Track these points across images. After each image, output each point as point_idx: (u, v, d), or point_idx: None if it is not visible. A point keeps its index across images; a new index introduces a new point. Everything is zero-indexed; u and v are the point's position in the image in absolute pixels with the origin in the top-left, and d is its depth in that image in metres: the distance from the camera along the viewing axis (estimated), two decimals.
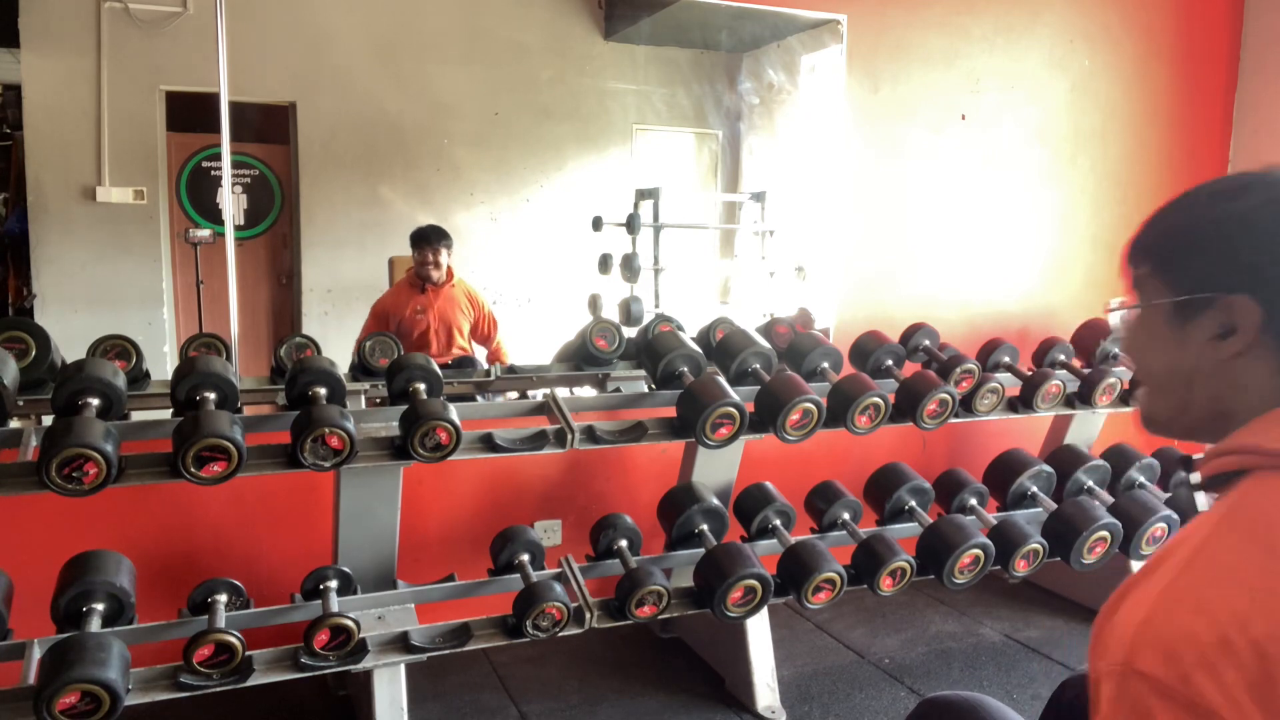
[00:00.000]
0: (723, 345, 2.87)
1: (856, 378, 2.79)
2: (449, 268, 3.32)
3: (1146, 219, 1.01)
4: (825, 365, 2.92)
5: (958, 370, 3.02)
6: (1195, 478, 0.98)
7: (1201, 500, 0.98)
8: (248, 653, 2.19)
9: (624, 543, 2.76)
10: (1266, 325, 0.91)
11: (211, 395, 2.27)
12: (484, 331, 3.40)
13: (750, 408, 2.62)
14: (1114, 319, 1.04)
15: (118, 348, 2.44)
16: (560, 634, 2.47)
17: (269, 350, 2.96)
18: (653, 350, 2.78)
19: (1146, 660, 0.81)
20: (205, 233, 3.09)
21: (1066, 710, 1.52)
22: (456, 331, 3.34)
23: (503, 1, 3.41)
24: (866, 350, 3.10)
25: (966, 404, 2.94)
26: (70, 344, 2.47)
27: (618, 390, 2.99)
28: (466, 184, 3.44)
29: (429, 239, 3.27)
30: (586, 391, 3.08)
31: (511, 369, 2.92)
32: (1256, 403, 0.93)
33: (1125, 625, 0.84)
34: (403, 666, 2.41)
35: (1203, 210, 0.97)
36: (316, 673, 2.31)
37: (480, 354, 3.42)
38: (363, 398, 2.70)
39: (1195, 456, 1.01)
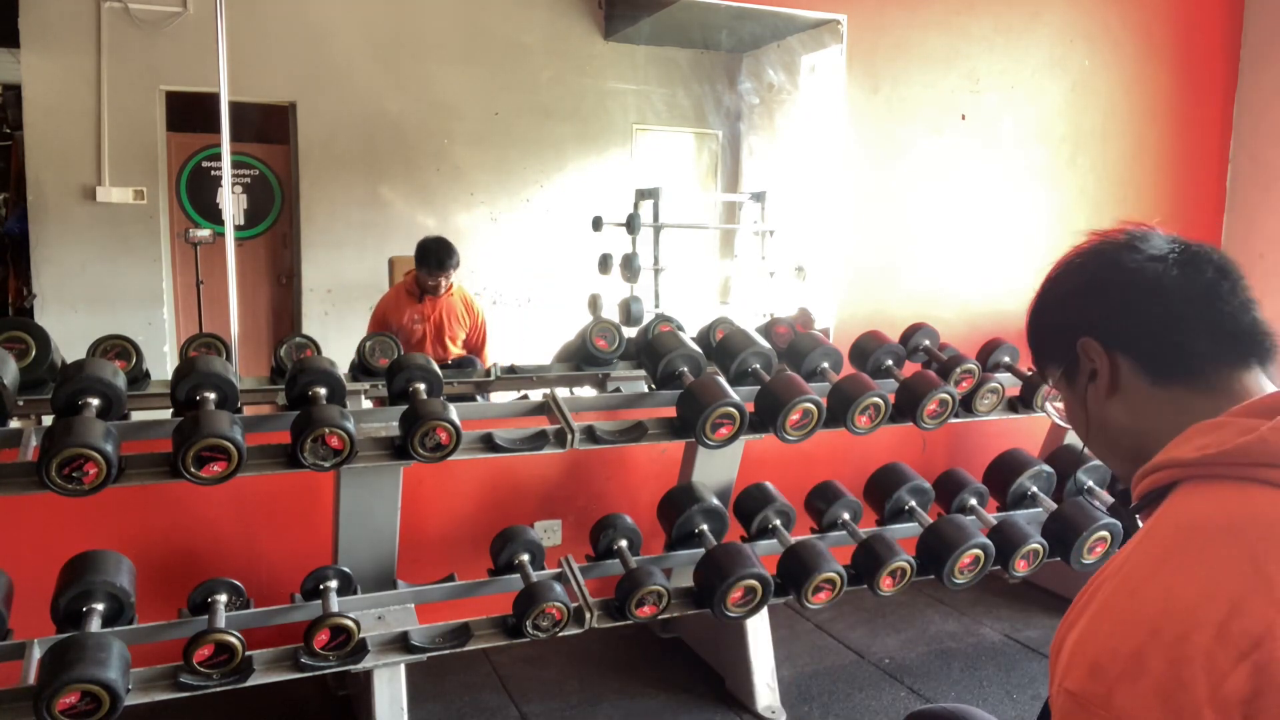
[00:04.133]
0: (723, 345, 2.87)
1: (856, 378, 2.79)
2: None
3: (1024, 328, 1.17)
4: (825, 365, 2.92)
5: (958, 370, 3.02)
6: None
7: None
8: (248, 653, 2.19)
9: (624, 543, 2.76)
10: (1112, 351, 1.03)
11: (211, 395, 2.27)
12: (474, 343, 3.38)
13: (750, 408, 2.62)
14: (1051, 413, 1.18)
15: (118, 348, 2.44)
16: (560, 634, 2.47)
17: (269, 350, 2.96)
18: (653, 350, 2.78)
19: (1074, 679, 0.84)
20: (205, 233, 3.09)
21: None
22: (450, 340, 3.33)
23: (503, 1, 3.41)
24: (866, 350, 3.10)
25: (966, 404, 2.94)
26: (70, 344, 2.47)
27: (618, 390, 2.99)
28: (466, 184, 3.43)
29: (441, 264, 3.23)
30: (586, 391, 3.08)
31: (511, 369, 2.92)
32: (1164, 430, 1.00)
33: (1064, 647, 0.89)
34: (403, 666, 2.41)
35: (1039, 298, 1.14)
36: (316, 673, 2.31)
37: None
38: (363, 398, 2.70)
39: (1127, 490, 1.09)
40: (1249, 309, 1.02)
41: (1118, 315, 1.04)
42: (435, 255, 3.24)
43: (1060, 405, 1.15)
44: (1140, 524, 0.99)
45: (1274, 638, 0.78)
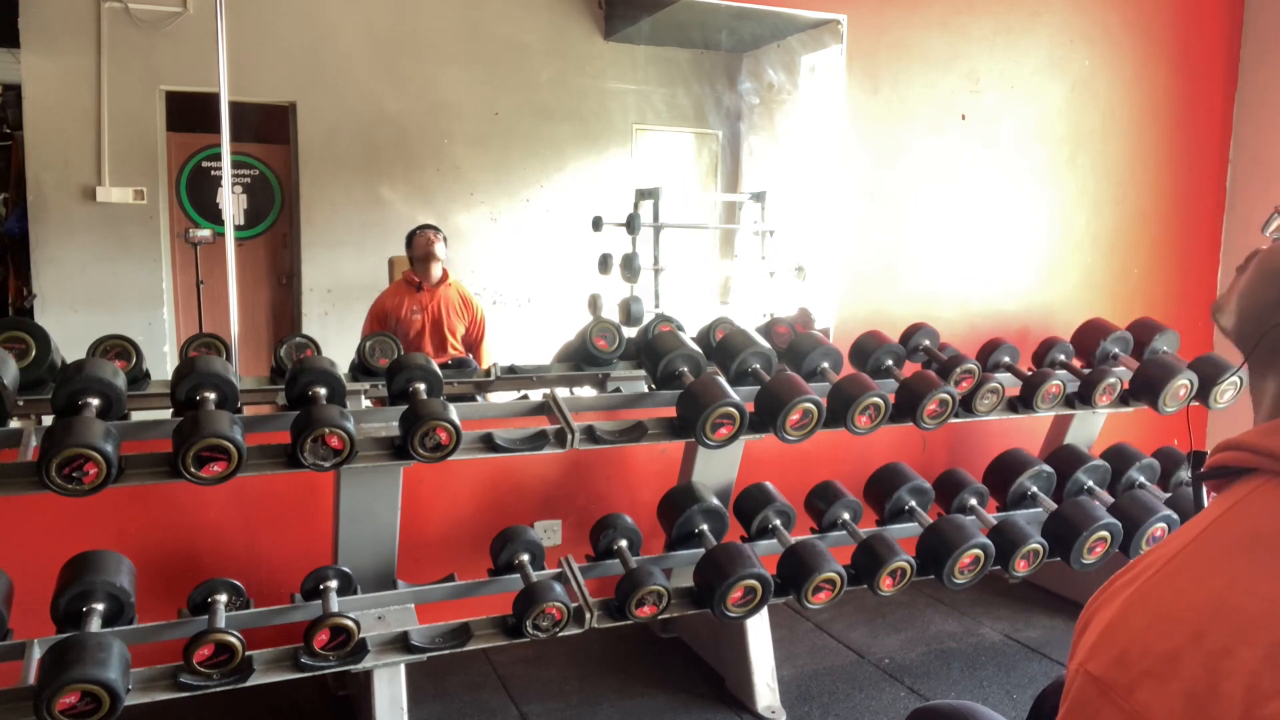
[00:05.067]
0: (723, 345, 2.87)
1: (856, 378, 2.79)
2: (445, 269, 3.32)
3: None
4: (825, 365, 2.93)
5: (958, 370, 3.02)
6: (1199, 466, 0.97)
7: (1206, 494, 0.97)
8: (248, 653, 2.19)
9: (624, 543, 2.76)
10: None
11: (211, 395, 2.27)
12: (473, 337, 3.39)
13: (750, 408, 2.62)
14: (1272, 224, 1.08)
15: (118, 348, 2.44)
16: (560, 634, 2.47)
17: (269, 350, 2.96)
18: (653, 350, 2.78)
19: (1099, 662, 0.80)
20: (205, 233, 3.09)
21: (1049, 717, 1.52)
22: (449, 332, 3.34)
23: (503, 2, 3.41)
24: (866, 350, 3.10)
25: (966, 404, 2.94)
26: (70, 344, 2.47)
27: (618, 390, 2.99)
28: (466, 184, 3.43)
29: (426, 224, 3.27)
30: (586, 391, 3.08)
31: (511, 369, 2.92)
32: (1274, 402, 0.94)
33: (1095, 626, 0.84)
34: (403, 666, 2.41)
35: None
36: (316, 673, 2.31)
37: None
38: (363, 397, 2.70)
39: (1204, 452, 1.00)
40: None
41: None
42: (422, 225, 3.25)
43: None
44: (1203, 500, 0.94)
45: None
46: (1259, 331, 0.99)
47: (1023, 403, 3.08)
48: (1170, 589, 0.82)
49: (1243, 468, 0.88)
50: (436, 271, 3.30)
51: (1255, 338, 0.99)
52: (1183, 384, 3.12)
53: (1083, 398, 3.13)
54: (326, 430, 2.20)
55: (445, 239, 3.30)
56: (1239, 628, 0.75)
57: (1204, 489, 0.96)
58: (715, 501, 2.85)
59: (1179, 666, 0.76)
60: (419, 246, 3.28)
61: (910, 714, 1.55)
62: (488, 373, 2.90)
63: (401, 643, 2.39)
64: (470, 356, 3.39)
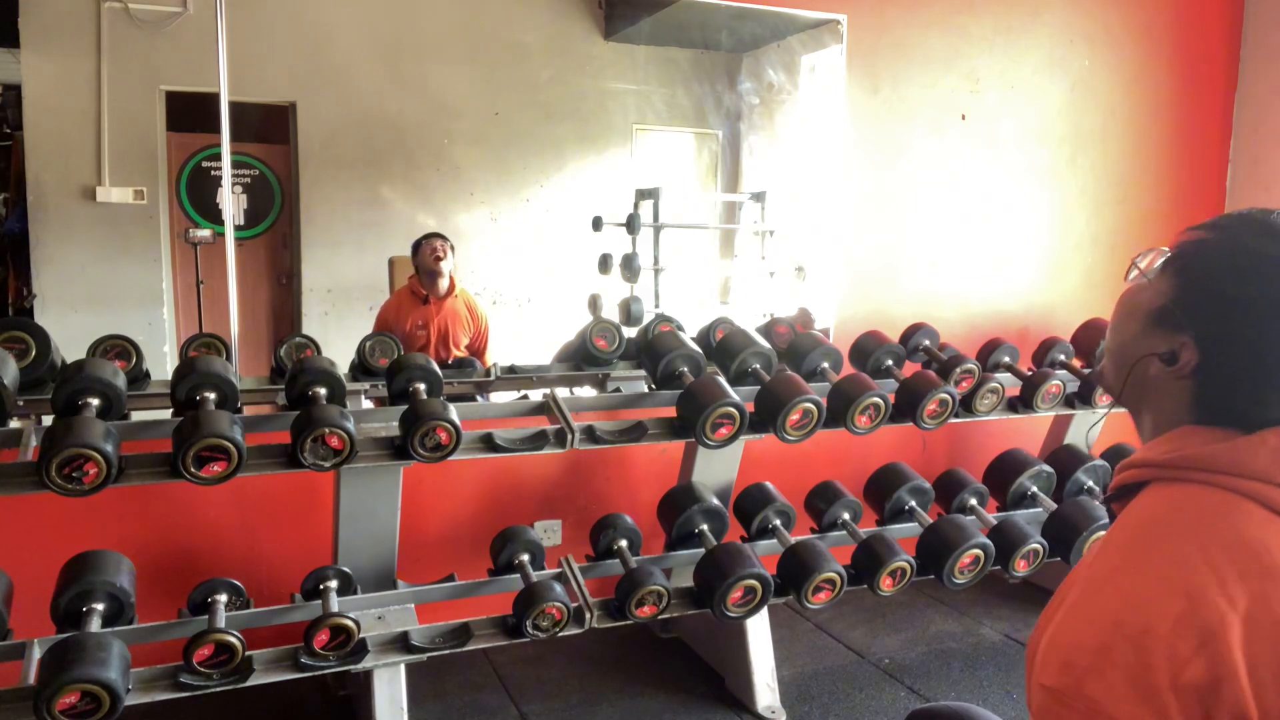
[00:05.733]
0: (723, 345, 2.87)
1: (856, 378, 2.78)
2: (452, 278, 3.29)
3: (1193, 226, 1.06)
4: (825, 365, 2.92)
5: (958, 370, 3.02)
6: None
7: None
8: (248, 653, 2.19)
9: (624, 543, 2.76)
10: (1199, 369, 0.99)
11: (211, 395, 2.27)
12: (477, 347, 3.38)
13: (750, 408, 2.62)
14: (1131, 273, 1.10)
15: (118, 348, 2.44)
16: (560, 634, 2.47)
17: (269, 350, 2.96)
18: (653, 350, 2.78)
19: (1048, 674, 0.89)
20: (205, 233, 3.09)
21: None
22: (454, 345, 3.32)
23: (503, 2, 3.41)
24: (866, 350, 3.10)
25: (966, 404, 2.94)
26: (70, 344, 2.47)
27: (618, 390, 2.99)
28: (466, 184, 3.43)
29: (433, 234, 3.24)
30: (586, 391, 3.08)
31: (511, 369, 2.92)
32: (1166, 417, 1.03)
33: (1040, 646, 0.93)
34: (403, 666, 2.41)
35: (1213, 246, 1.02)
36: (316, 673, 2.31)
37: None
38: (363, 397, 2.70)
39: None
40: None
41: (1241, 348, 0.97)
42: (432, 232, 3.23)
43: (1134, 282, 1.09)
44: (1113, 515, 1.04)
45: (1226, 628, 0.83)
46: (1127, 366, 1.06)
47: (1023, 403, 3.08)
48: (1090, 594, 0.92)
49: (1140, 481, 1.01)
50: (443, 285, 3.26)
51: (1125, 373, 1.06)
52: None
53: (1083, 398, 3.13)
54: (326, 430, 2.20)
55: (453, 248, 3.25)
56: (1148, 607, 0.86)
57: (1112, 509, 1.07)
58: (715, 501, 2.85)
59: (1112, 655, 0.85)
60: (425, 256, 3.23)
61: (908, 715, 1.55)
62: (488, 373, 2.90)
63: (401, 643, 2.39)
64: (472, 357, 3.38)
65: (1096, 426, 3.41)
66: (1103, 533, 2.88)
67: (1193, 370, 1.00)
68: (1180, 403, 1.02)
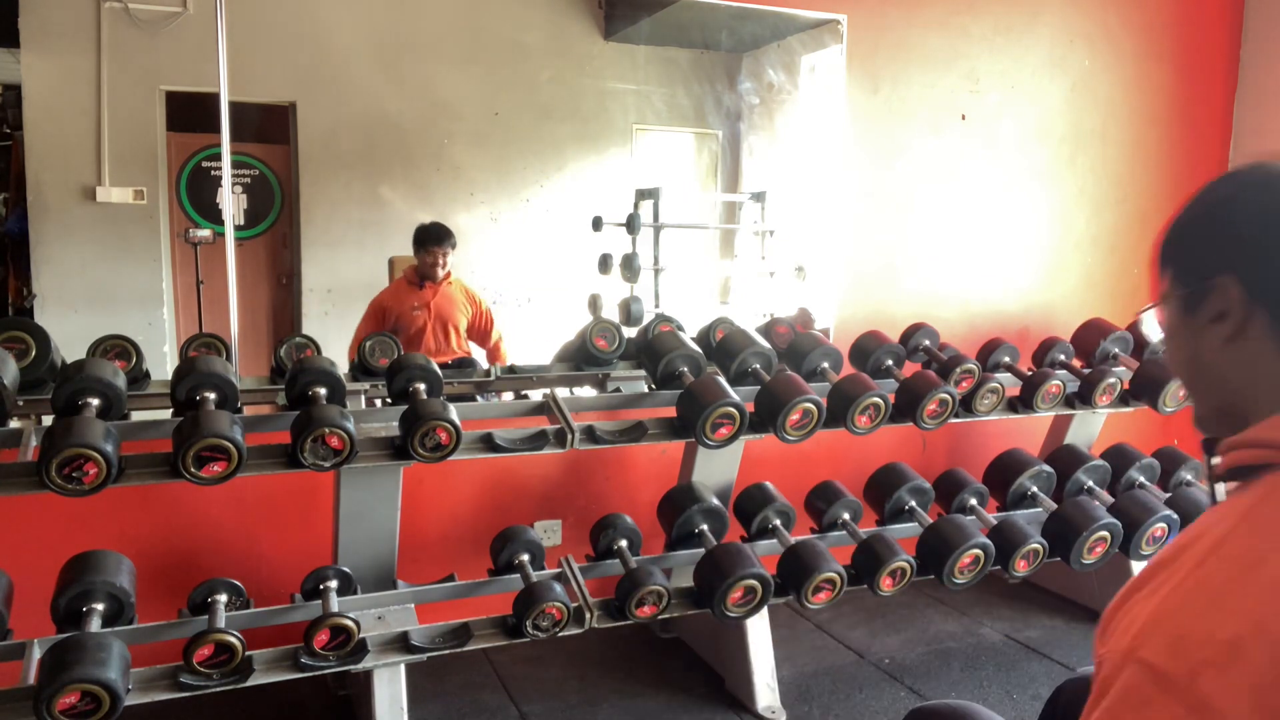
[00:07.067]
0: (723, 345, 2.87)
1: (856, 378, 2.78)
2: (448, 270, 3.32)
3: (1164, 224, 1.04)
4: (825, 365, 2.92)
5: (958, 370, 3.02)
6: (1216, 462, 0.96)
7: (1220, 490, 0.96)
8: (248, 653, 2.19)
9: (624, 543, 2.76)
10: (1253, 302, 0.91)
11: (211, 395, 2.27)
12: (481, 328, 3.39)
13: (750, 408, 2.62)
14: (1150, 322, 1.06)
15: (118, 348, 2.44)
16: (560, 634, 2.47)
17: (269, 350, 2.96)
18: (653, 350, 2.78)
19: (1152, 650, 0.79)
20: (205, 233, 3.09)
21: (1063, 712, 1.52)
22: (453, 329, 3.34)
23: (503, 1, 3.41)
24: (866, 350, 3.10)
25: (966, 404, 2.94)
26: (70, 344, 2.47)
27: (618, 390, 2.99)
28: (466, 184, 3.43)
29: (438, 239, 3.26)
30: (586, 391, 3.07)
31: (511, 369, 2.92)
32: (1271, 393, 0.92)
33: (1135, 615, 0.83)
34: (403, 666, 2.41)
35: (1195, 205, 1.00)
36: (316, 673, 2.31)
37: (478, 354, 3.41)
38: (363, 398, 2.70)
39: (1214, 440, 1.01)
40: None
41: (1276, 268, 0.91)
42: (434, 233, 3.26)
43: (1158, 317, 1.04)
44: (1217, 495, 0.95)
45: None
46: (1196, 370, 1.00)
47: (1023, 403, 3.08)
48: (1224, 577, 0.81)
49: (1261, 464, 0.89)
50: (442, 274, 3.31)
51: (1201, 377, 1.00)
52: None
53: (1083, 398, 3.13)
54: (326, 430, 2.20)
55: (454, 245, 3.28)
56: None
57: (1216, 484, 0.96)
58: (715, 501, 2.85)
59: (1242, 655, 0.75)
60: (424, 262, 3.28)
61: (907, 715, 1.55)
62: (487, 373, 2.90)
63: (401, 643, 2.39)
64: (471, 355, 3.38)
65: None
66: (1104, 532, 2.89)
67: (1246, 306, 0.91)
68: (1269, 362, 0.91)
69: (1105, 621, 0.88)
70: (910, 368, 3.09)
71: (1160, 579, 0.85)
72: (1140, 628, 0.81)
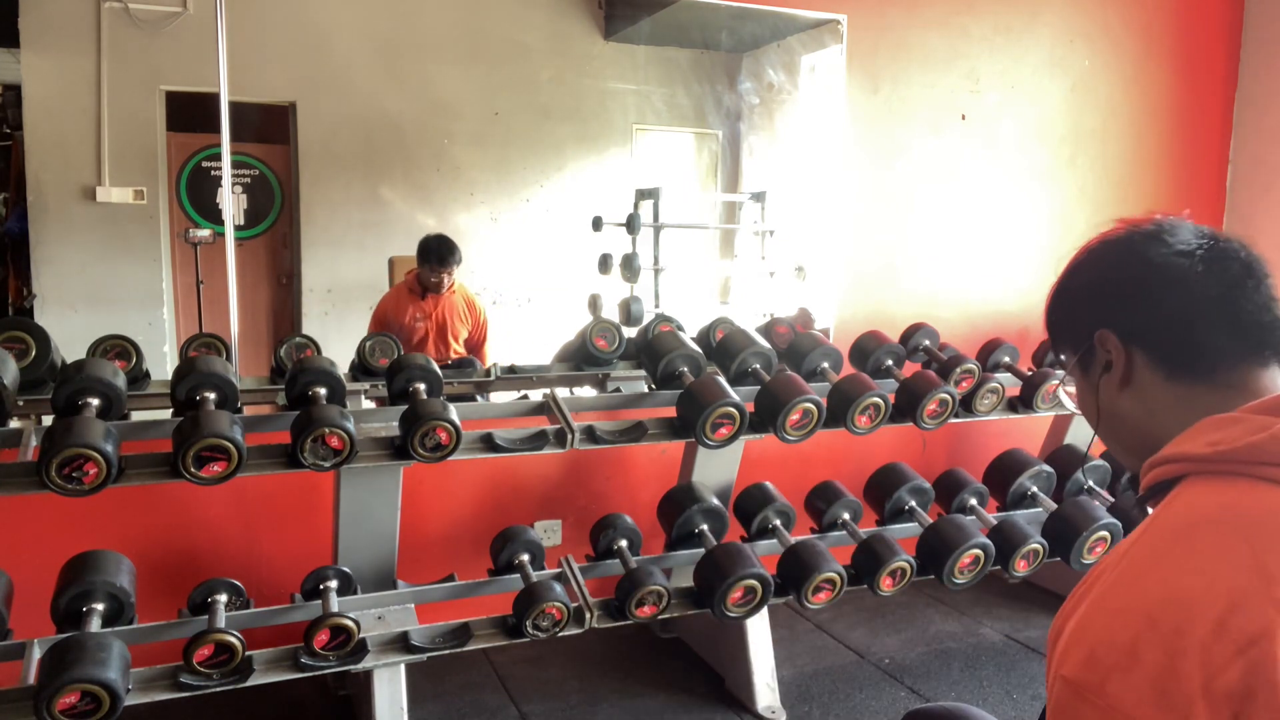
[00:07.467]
0: (723, 345, 2.87)
1: (856, 378, 2.78)
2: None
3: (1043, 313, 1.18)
4: (825, 365, 2.92)
5: (958, 370, 3.02)
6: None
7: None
8: (248, 653, 2.19)
9: (624, 543, 2.76)
10: (1130, 344, 1.03)
11: (211, 395, 2.27)
12: (475, 339, 3.39)
13: (750, 408, 2.62)
14: (1064, 398, 1.18)
15: (118, 348, 2.44)
16: (560, 634, 2.47)
17: (269, 350, 2.96)
18: (653, 350, 2.78)
19: (1071, 666, 0.85)
20: (205, 233, 3.09)
21: None
22: (452, 338, 3.34)
23: (503, 1, 3.41)
24: (866, 350, 3.10)
25: (966, 404, 2.94)
26: (70, 344, 2.47)
27: (618, 390, 2.99)
28: (466, 184, 3.43)
29: (442, 259, 3.24)
30: (586, 391, 3.08)
31: (511, 369, 2.92)
32: (1175, 424, 0.99)
33: (1065, 634, 0.89)
34: (403, 666, 2.41)
35: (1060, 284, 1.17)
36: (316, 673, 2.31)
37: None
38: (363, 397, 2.70)
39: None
40: (1271, 308, 1.02)
41: (1139, 311, 1.04)
42: (437, 252, 3.24)
43: (1073, 391, 1.15)
44: (1147, 514, 1.00)
45: (1270, 636, 0.78)
46: (1099, 417, 1.11)
47: (1023, 403, 3.07)
48: (1124, 585, 0.87)
49: (1174, 477, 0.96)
50: (443, 288, 3.30)
51: (1103, 421, 1.11)
52: None
53: None
54: (326, 430, 2.20)
55: (459, 263, 3.26)
56: (1186, 606, 0.81)
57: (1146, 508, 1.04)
58: (715, 501, 2.85)
59: (1140, 654, 0.81)
60: (426, 276, 3.26)
61: (905, 716, 1.55)
62: (488, 373, 2.90)
63: (401, 643, 2.39)
64: (473, 357, 3.38)
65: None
66: (1104, 533, 2.89)
67: (1126, 349, 1.03)
68: (1160, 392, 1.02)
69: (1050, 643, 0.93)
70: (910, 368, 3.09)
71: (1079, 597, 0.91)
72: (1064, 646, 0.87)
